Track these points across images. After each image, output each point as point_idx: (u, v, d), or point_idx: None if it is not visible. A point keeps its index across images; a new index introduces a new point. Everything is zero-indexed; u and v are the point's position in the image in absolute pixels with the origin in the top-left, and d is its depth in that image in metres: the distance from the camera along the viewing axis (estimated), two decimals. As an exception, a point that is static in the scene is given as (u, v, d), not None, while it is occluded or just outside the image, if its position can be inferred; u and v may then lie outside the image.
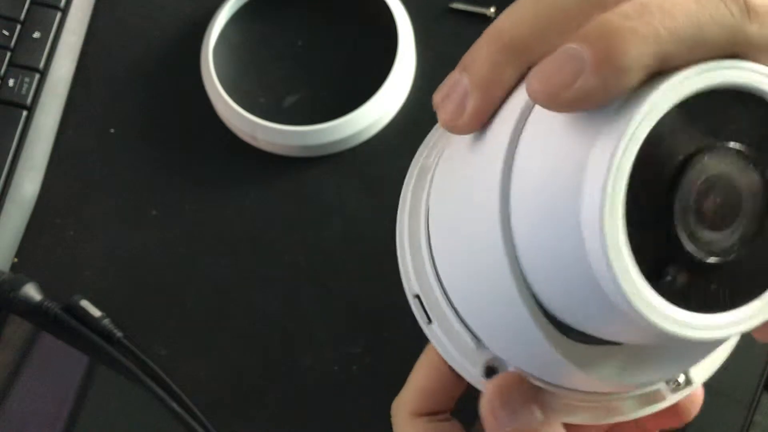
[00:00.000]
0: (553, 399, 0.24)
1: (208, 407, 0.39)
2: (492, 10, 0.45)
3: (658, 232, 0.18)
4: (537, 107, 0.20)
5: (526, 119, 0.20)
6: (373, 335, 0.40)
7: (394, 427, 0.30)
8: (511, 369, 0.24)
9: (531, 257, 0.20)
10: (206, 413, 0.39)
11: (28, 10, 0.46)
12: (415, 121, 0.44)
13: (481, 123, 0.22)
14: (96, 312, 0.40)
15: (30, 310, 0.40)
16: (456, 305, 0.25)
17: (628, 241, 0.17)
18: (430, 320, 0.26)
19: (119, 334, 0.40)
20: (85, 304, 0.40)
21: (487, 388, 0.24)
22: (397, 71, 0.43)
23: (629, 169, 0.17)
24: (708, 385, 0.39)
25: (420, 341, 0.27)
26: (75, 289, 0.41)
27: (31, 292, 0.40)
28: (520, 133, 0.20)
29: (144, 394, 0.39)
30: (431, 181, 0.26)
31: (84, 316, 0.40)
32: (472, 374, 0.25)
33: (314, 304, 0.41)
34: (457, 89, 0.23)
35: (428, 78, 0.45)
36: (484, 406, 0.24)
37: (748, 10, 0.18)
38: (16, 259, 0.42)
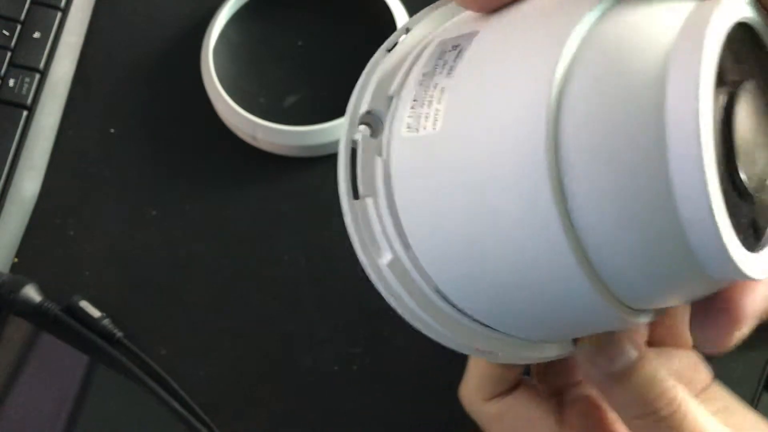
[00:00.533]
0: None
1: (208, 407, 0.39)
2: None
3: (729, 174, 0.17)
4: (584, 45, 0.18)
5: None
6: (373, 335, 0.40)
7: (474, 415, 0.31)
8: None
9: (586, 208, 0.17)
10: (206, 413, 0.39)
11: (28, 10, 0.46)
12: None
13: None
14: (96, 312, 0.40)
15: (30, 312, 0.40)
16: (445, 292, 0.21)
17: (722, 194, 0.16)
18: (391, 48, 0.24)
19: (119, 334, 0.40)
20: (84, 304, 0.40)
21: (582, 342, 0.24)
22: (397, 71, 0.43)
23: (711, 112, 0.16)
24: (708, 385, 0.39)
25: (420, 341, 0.27)
26: (75, 288, 0.41)
27: (31, 293, 0.40)
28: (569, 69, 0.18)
29: (144, 394, 0.39)
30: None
31: (84, 317, 0.40)
32: (355, 111, 0.24)
33: (314, 304, 0.41)
34: None
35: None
36: (583, 358, 0.25)
37: None
38: (16, 259, 0.42)
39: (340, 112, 0.43)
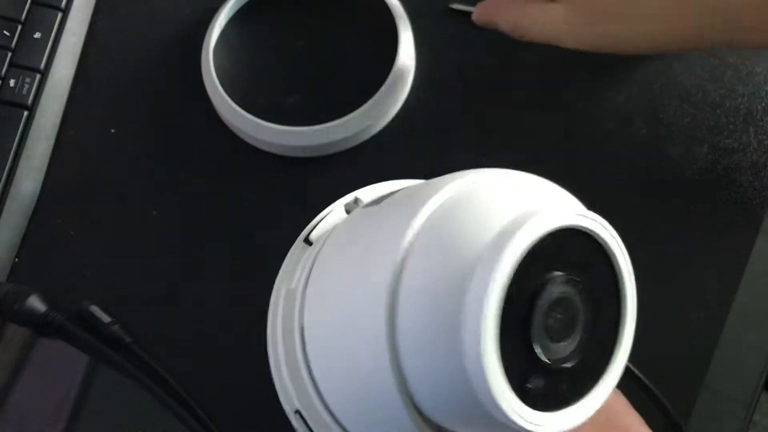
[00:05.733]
0: None
1: (208, 407, 0.39)
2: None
3: (519, 344, 0.22)
4: (420, 237, 0.23)
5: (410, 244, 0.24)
6: None
7: None
8: None
9: (413, 367, 0.23)
10: (206, 413, 0.39)
11: (28, 10, 0.46)
12: (415, 122, 0.44)
13: None
14: (106, 318, 0.40)
15: (35, 322, 0.40)
16: (338, 416, 0.27)
17: (501, 364, 0.21)
18: None
19: (129, 339, 0.40)
20: (94, 309, 0.40)
21: None
22: (397, 71, 0.43)
23: (499, 308, 0.21)
24: (708, 385, 0.39)
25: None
26: (75, 289, 0.41)
27: (36, 303, 0.40)
28: (405, 259, 0.23)
29: (148, 396, 0.39)
30: (302, 299, 0.29)
31: (94, 322, 0.40)
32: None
33: (314, 304, 0.41)
34: None
35: (428, 78, 0.45)
36: None
37: None
38: (16, 259, 0.42)
39: (340, 112, 0.43)
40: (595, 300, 0.23)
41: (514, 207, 0.23)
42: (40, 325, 0.40)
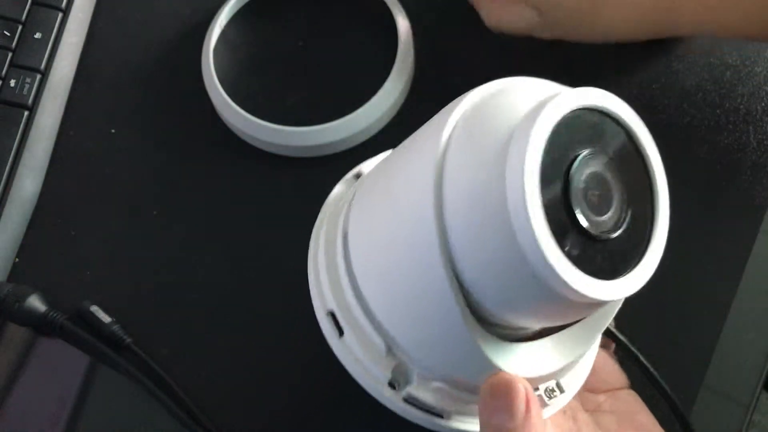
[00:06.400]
0: None
1: (208, 407, 0.39)
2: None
3: (563, 215, 0.23)
4: (457, 130, 0.25)
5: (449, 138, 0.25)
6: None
7: None
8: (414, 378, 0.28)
9: (465, 253, 0.24)
10: (206, 413, 0.39)
11: (29, 10, 0.46)
12: (415, 122, 0.44)
13: None
14: (106, 318, 0.40)
15: (35, 322, 0.40)
16: (377, 314, 0.28)
17: (546, 223, 0.22)
18: (341, 333, 0.29)
19: (128, 340, 0.40)
20: (95, 309, 0.40)
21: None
22: (397, 71, 0.43)
23: (538, 171, 0.22)
24: (708, 385, 0.39)
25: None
26: (75, 288, 0.41)
27: (36, 303, 0.40)
28: (446, 150, 0.24)
29: (147, 396, 0.39)
30: (349, 206, 0.29)
31: (94, 322, 0.40)
32: (378, 381, 0.29)
33: (314, 304, 0.41)
34: None
35: (428, 78, 0.45)
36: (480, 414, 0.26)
37: None
38: (17, 259, 0.42)
39: (340, 112, 0.43)
40: (630, 184, 0.25)
41: (543, 93, 0.24)
42: (40, 325, 0.40)
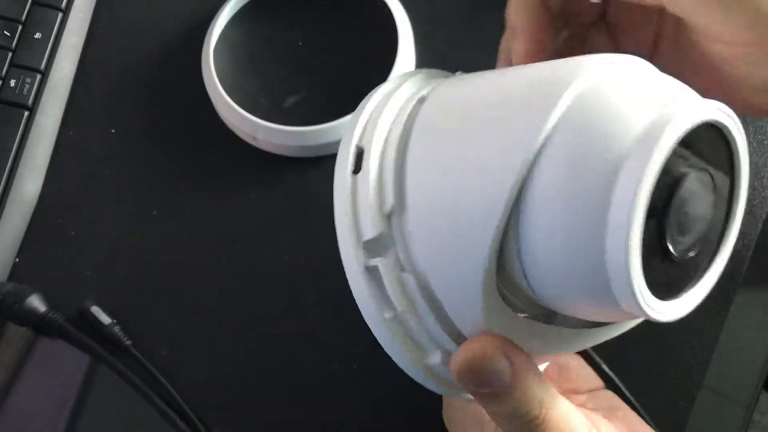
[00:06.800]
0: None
1: (208, 407, 0.39)
2: None
3: (653, 234, 0.22)
4: (562, 123, 0.23)
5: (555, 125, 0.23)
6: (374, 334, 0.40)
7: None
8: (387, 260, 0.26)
9: (534, 236, 0.23)
10: (206, 413, 0.39)
11: (29, 10, 0.46)
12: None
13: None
14: (106, 319, 0.40)
15: (35, 322, 0.40)
16: (421, 262, 0.26)
17: (641, 246, 0.21)
18: (357, 170, 0.27)
19: (128, 342, 0.40)
20: (95, 310, 0.40)
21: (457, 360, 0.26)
22: (397, 71, 0.43)
23: (649, 191, 0.21)
24: (708, 385, 0.39)
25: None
26: (75, 288, 0.41)
27: (35, 303, 0.40)
28: (548, 139, 0.23)
29: (146, 399, 0.39)
30: (413, 121, 0.27)
31: (94, 323, 0.40)
32: (357, 235, 0.27)
33: (314, 304, 0.41)
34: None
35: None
36: (461, 379, 0.25)
37: None
38: (17, 259, 0.42)
39: (340, 112, 0.43)
40: (718, 197, 0.24)
41: (655, 100, 0.23)
42: (39, 325, 0.40)
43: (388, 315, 0.27)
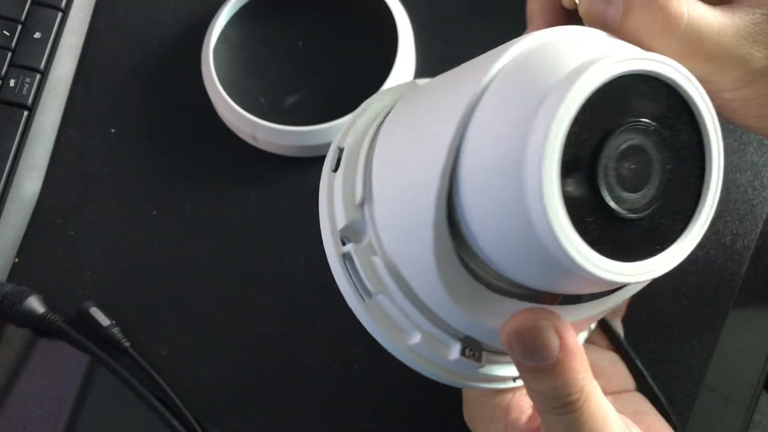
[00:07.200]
0: None
1: (208, 407, 0.39)
2: None
3: (585, 189, 0.21)
4: (500, 74, 0.23)
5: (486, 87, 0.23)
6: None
7: None
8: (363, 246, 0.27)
9: (471, 201, 0.23)
10: (206, 413, 0.39)
11: (28, 10, 0.46)
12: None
13: None
14: (105, 320, 0.40)
15: (34, 323, 0.40)
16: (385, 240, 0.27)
17: (561, 193, 0.21)
18: (336, 168, 0.29)
19: (127, 343, 0.40)
20: (94, 311, 0.40)
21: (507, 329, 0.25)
22: (397, 71, 0.43)
23: (563, 137, 0.21)
24: (708, 385, 0.39)
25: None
26: (75, 289, 0.41)
27: (34, 304, 0.40)
28: (484, 91, 0.23)
29: (144, 400, 0.39)
30: (372, 140, 0.29)
31: (93, 324, 0.40)
32: (333, 225, 0.28)
33: (314, 304, 0.41)
34: None
35: (428, 77, 0.45)
36: (510, 349, 0.25)
37: None
38: (17, 259, 0.42)
39: (340, 112, 0.43)
40: (676, 153, 0.23)
41: (589, 51, 0.23)
42: (38, 327, 0.40)
43: (367, 299, 0.27)
